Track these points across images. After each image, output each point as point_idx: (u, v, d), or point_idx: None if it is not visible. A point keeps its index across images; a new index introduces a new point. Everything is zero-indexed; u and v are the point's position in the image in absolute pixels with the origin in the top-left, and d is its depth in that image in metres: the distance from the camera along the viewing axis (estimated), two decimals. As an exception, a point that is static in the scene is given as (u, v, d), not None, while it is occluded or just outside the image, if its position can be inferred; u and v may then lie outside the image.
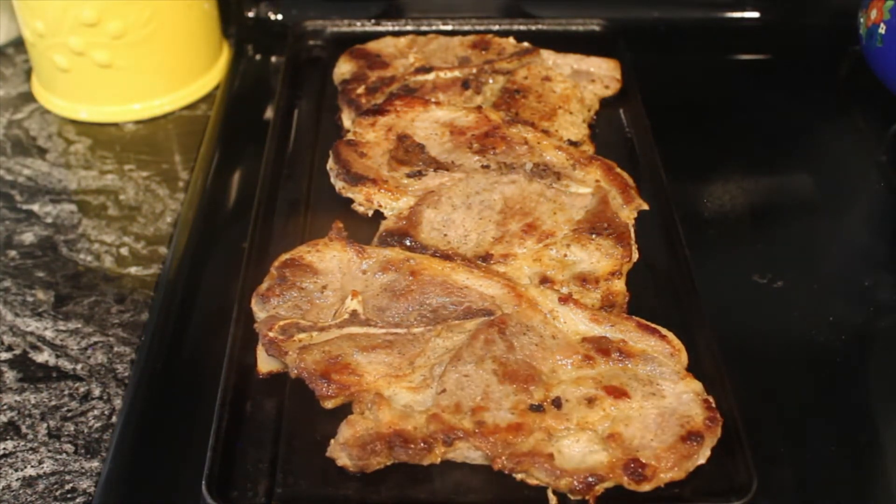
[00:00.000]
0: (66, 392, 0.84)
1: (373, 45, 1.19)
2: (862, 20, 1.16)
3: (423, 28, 1.26)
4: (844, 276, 0.98)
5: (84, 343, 0.89)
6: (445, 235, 0.92)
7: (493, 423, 0.73)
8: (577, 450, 0.72)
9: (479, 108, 1.06)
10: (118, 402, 0.83)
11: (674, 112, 1.17)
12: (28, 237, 1.01)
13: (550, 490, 0.72)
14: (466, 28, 1.27)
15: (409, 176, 0.98)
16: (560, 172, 0.99)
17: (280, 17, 1.35)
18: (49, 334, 0.90)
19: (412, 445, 0.72)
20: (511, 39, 1.19)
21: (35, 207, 1.05)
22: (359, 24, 1.28)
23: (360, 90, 1.11)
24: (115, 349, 0.88)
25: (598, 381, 0.77)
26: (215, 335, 0.84)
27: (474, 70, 1.13)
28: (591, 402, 0.75)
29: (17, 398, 0.84)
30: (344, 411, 0.76)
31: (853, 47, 1.23)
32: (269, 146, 1.05)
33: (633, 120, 1.11)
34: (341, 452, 0.73)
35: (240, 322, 0.84)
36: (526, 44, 1.18)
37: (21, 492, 0.76)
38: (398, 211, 0.95)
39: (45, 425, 0.82)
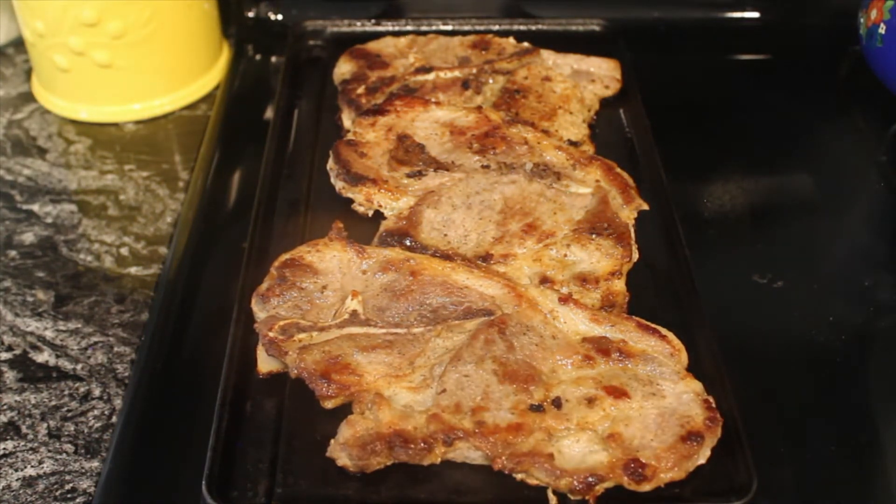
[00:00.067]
0: (66, 392, 0.84)
1: (373, 45, 1.19)
2: (862, 20, 1.16)
3: (423, 28, 1.26)
4: (844, 276, 0.98)
5: (84, 343, 0.89)
6: (445, 235, 0.92)
7: (493, 423, 0.73)
8: (577, 450, 0.72)
9: (479, 108, 1.06)
10: (118, 402, 0.83)
11: (674, 112, 1.17)
12: (28, 237, 1.01)
13: (550, 490, 0.72)
14: (466, 28, 1.27)
15: (409, 176, 0.98)
16: (560, 172, 0.99)
17: (280, 17, 1.35)
18: (49, 334, 0.90)
19: (412, 445, 0.72)
20: (511, 39, 1.19)
21: (35, 207, 1.05)
22: (359, 24, 1.28)
23: (360, 90, 1.11)
24: (115, 349, 0.88)
25: (598, 381, 0.77)
26: (215, 335, 0.84)
27: (474, 70, 1.13)
28: (591, 402, 0.75)
29: (18, 398, 0.84)
30: (344, 411, 0.76)
31: (853, 47, 1.24)
32: (269, 146, 1.05)
33: (633, 120, 1.11)
34: (341, 452, 0.73)
35: (240, 322, 0.84)
36: (526, 44, 1.18)
37: (21, 492, 0.76)
38: (398, 211, 0.95)
39: (45, 425, 0.82)
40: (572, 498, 0.71)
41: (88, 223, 1.03)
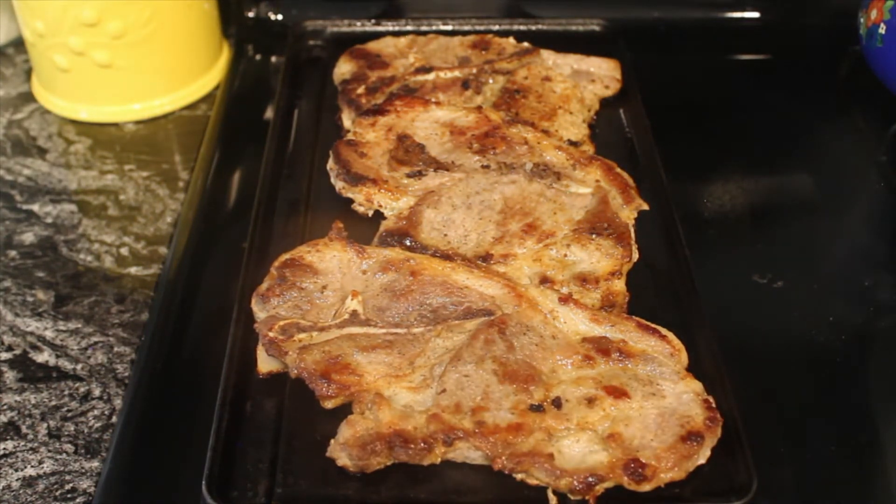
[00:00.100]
0: (66, 392, 0.84)
1: (373, 45, 1.19)
2: (862, 20, 1.16)
3: (423, 28, 1.26)
4: (844, 276, 0.98)
5: (84, 343, 0.89)
6: (445, 235, 0.92)
7: (493, 423, 0.73)
8: (577, 450, 0.72)
9: (479, 108, 1.06)
10: (118, 402, 0.83)
11: (674, 112, 1.17)
12: (28, 237, 1.01)
13: (550, 490, 0.72)
14: (466, 28, 1.27)
15: (409, 176, 0.98)
16: (560, 172, 0.99)
17: (280, 17, 1.35)
18: (49, 334, 0.90)
19: (412, 445, 0.72)
20: (511, 39, 1.19)
21: (35, 207, 1.05)
22: (359, 24, 1.28)
23: (360, 90, 1.11)
24: (115, 349, 0.88)
25: (598, 381, 0.77)
26: (215, 335, 0.84)
27: (474, 70, 1.13)
28: (591, 402, 0.75)
29: (18, 398, 0.84)
30: (344, 411, 0.76)
31: (853, 47, 1.24)
32: (269, 146, 1.05)
33: (633, 120, 1.11)
34: (341, 452, 0.73)
35: (240, 322, 0.84)
36: (526, 44, 1.18)
37: (21, 492, 0.76)
38: (398, 211, 0.95)
39: (45, 425, 0.82)
40: (572, 498, 0.71)
41: (88, 223, 1.03)
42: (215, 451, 0.73)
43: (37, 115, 1.20)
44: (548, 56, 1.17)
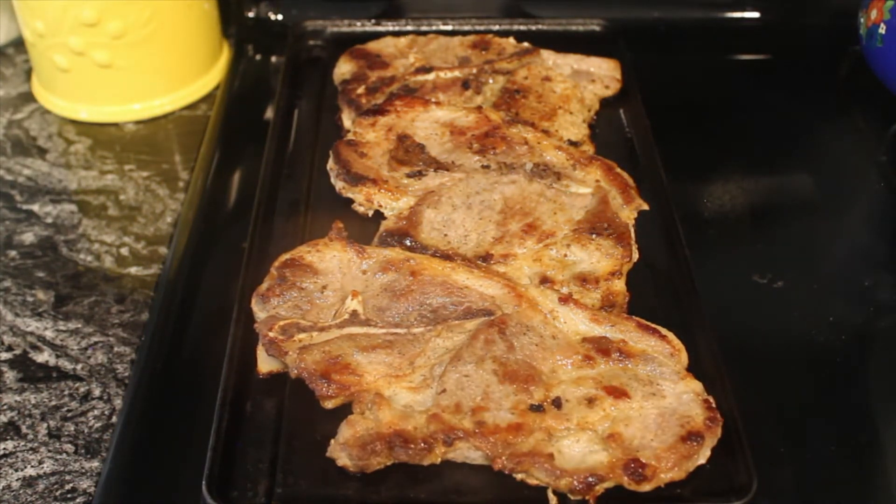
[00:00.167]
0: (66, 392, 0.84)
1: (373, 45, 1.19)
2: (862, 20, 1.16)
3: (423, 28, 1.26)
4: (844, 276, 0.98)
5: (84, 343, 0.89)
6: (445, 235, 0.92)
7: (494, 423, 0.73)
8: (578, 450, 0.72)
9: (479, 108, 1.06)
10: (118, 402, 0.83)
11: (674, 112, 1.17)
12: (28, 237, 1.01)
13: (550, 490, 0.72)
14: (466, 28, 1.27)
15: (409, 176, 0.98)
16: (560, 172, 0.99)
17: (280, 17, 1.35)
18: (49, 334, 0.90)
19: (412, 445, 0.72)
20: (511, 39, 1.19)
21: (35, 207, 1.05)
22: (359, 24, 1.28)
23: (360, 90, 1.11)
24: (115, 349, 0.88)
25: (598, 381, 0.77)
26: (215, 335, 0.84)
27: (474, 70, 1.13)
28: (591, 402, 0.75)
29: (18, 398, 0.84)
30: (344, 411, 0.76)
31: (853, 47, 1.24)
32: (269, 146, 1.05)
33: (633, 120, 1.11)
34: (341, 452, 0.73)
35: (240, 322, 0.84)
36: (526, 44, 1.18)
37: (21, 492, 0.76)
38: (398, 211, 0.95)
39: (45, 425, 0.82)
40: (572, 498, 0.71)
41: (88, 223, 1.03)
42: (215, 451, 0.73)
43: (37, 115, 1.20)
44: (548, 56, 1.17)
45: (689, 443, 0.72)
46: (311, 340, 0.79)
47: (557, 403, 0.75)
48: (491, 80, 1.13)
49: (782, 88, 1.24)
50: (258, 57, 1.30)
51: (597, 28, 1.27)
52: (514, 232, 0.92)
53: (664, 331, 0.82)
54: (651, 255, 0.93)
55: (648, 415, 0.75)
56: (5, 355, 0.88)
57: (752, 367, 0.84)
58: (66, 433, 0.81)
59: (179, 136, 1.17)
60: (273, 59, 1.29)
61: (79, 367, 0.87)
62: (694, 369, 0.80)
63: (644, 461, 0.71)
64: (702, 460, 0.73)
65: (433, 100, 1.08)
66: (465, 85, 1.12)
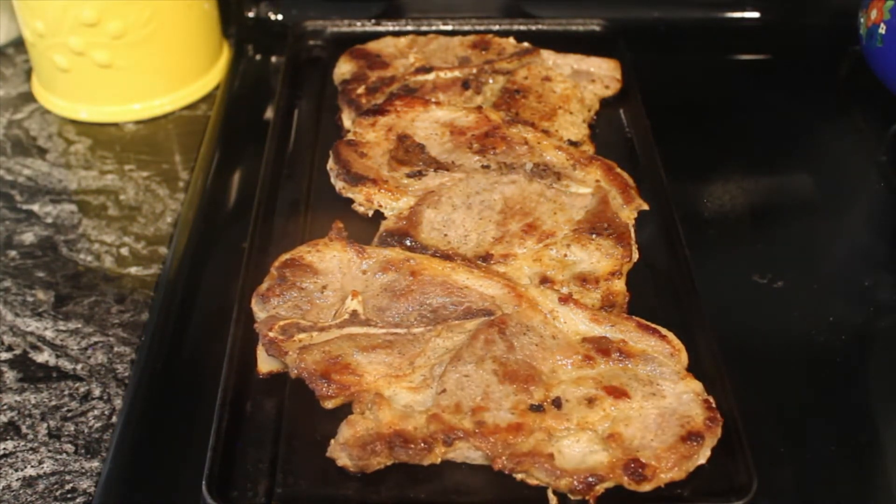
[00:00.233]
0: (67, 392, 0.84)
1: (373, 45, 1.19)
2: (862, 20, 1.16)
3: (423, 28, 1.26)
4: (844, 276, 0.98)
5: (84, 343, 0.89)
6: (445, 235, 0.92)
7: (494, 423, 0.73)
8: (578, 450, 0.72)
9: (479, 108, 1.06)
10: (118, 402, 0.83)
11: (674, 112, 1.17)
12: (28, 237, 1.01)
13: (550, 490, 0.72)
14: (466, 28, 1.27)
15: (409, 176, 0.98)
16: (560, 172, 0.99)
17: (280, 17, 1.35)
18: (49, 334, 0.90)
19: (412, 445, 0.72)
20: (511, 39, 1.19)
21: (35, 207, 1.05)
22: (359, 24, 1.28)
23: (360, 90, 1.11)
24: (115, 349, 0.88)
25: (598, 381, 0.77)
26: (215, 335, 0.84)
27: (474, 70, 1.13)
28: (591, 402, 0.75)
29: (18, 398, 0.84)
30: (344, 411, 0.76)
31: (853, 47, 1.23)
32: (269, 146, 1.05)
33: (633, 120, 1.11)
34: (341, 452, 0.73)
35: (240, 322, 0.84)
36: (526, 44, 1.18)
37: (21, 492, 0.76)
38: (398, 211, 0.95)
39: (45, 425, 0.82)
40: (572, 498, 0.71)
41: (88, 223, 1.03)
42: (215, 451, 0.73)
43: (37, 115, 1.20)
44: (548, 56, 1.17)
45: (689, 443, 0.72)
46: (311, 340, 0.79)
47: (557, 403, 0.75)
48: (491, 80, 1.13)
49: (782, 88, 1.24)
50: (258, 57, 1.30)
51: (597, 28, 1.27)
52: (514, 232, 0.92)
53: (664, 331, 0.82)
54: (651, 255, 0.93)
55: (648, 415, 0.75)
56: (5, 355, 0.88)
57: (752, 367, 0.84)
58: (66, 433, 0.81)
59: (179, 136, 1.17)
60: (273, 59, 1.29)
61: (79, 367, 0.87)
62: (694, 369, 0.80)
63: (644, 461, 0.71)
64: (702, 460, 0.73)
65: (433, 100, 1.08)
66: (465, 85, 1.12)
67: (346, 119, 1.09)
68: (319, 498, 0.73)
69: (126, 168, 1.11)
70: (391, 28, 1.27)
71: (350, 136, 1.03)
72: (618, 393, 0.76)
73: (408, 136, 1.02)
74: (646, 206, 0.96)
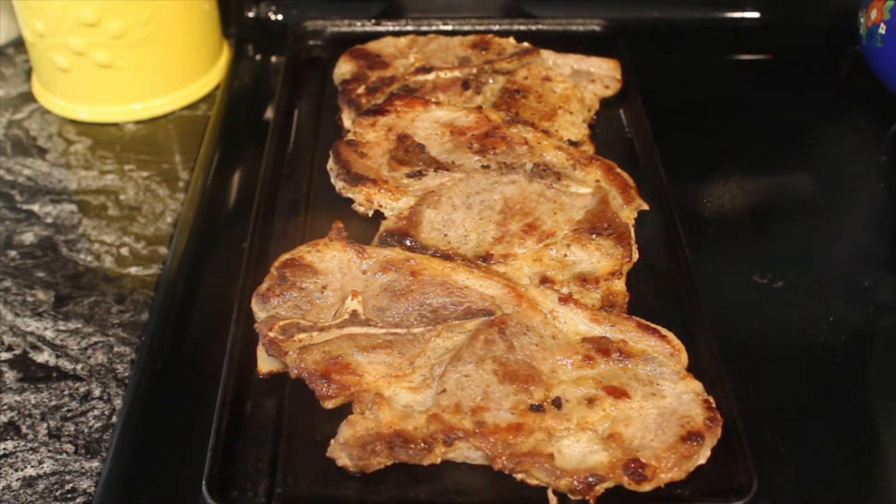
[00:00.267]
0: (66, 392, 0.84)
1: (373, 45, 1.19)
2: (862, 20, 1.16)
3: (423, 28, 1.26)
4: (844, 276, 0.98)
5: (84, 343, 0.89)
6: (445, 235, 0.92)
7: (494, 423, 0.73)
8: (578, 450, 0.72)
9: (479, 108, 1.06)
10: (118, 402, 0.83)
11: (674, 112, 1.17)
12: (28, 237, 1.01)
13: (550, 490, 0.72)
14: (466, 28, 1.27)
15: (409, 176, 0.98)
16: (560, 172, 0.99)
17: (280, 17, 1.35)
18: (49, 334, 0.90)
19: (412, 445, 0.72)
20: (511, 39, 1.19)
21: (35, 207, 1.05)
22: (359, 24, 1.28)
23: (360, 90, 1.11)
24: (115, 349, 0.88)
25: (598, 381, 0.77)
26: (215, 335, 0.84)
27: (474, 70, 1.13)
28: (591, 402, 0.75)
29: (18, 398, 0.84)
30: (344, 411, 0.76)
31: (853, 47, 1.23)
32: (269, 146, 1.05)
33: (633, 120, 1.11)
34: (341, 452, 0.73)
35: (240, 322, 0.84)
36: (526, 44, 1.18)
37: (21, 492, 0.76)
38: (398, 211, 0.95)
39: (45, 425, 0.82)
40: (572, 498, 0.71)
41: (88, 223, 1.03)
42: (215, 451, 0.73)
43: (37, 115, 1.20)
44: (548, 56, 1.17)
45: (689, 443, 0.72)
46: (311, 340, 0.79)
47: (557, 403, 0.75)
48: (491, 80, 1.13)
49: (782, 88, 1.24)
50: (258, 57, 1.30)
51: (597, 28, 1.27)
52: (514, 232, 0.92)
53: (664, 331, 0.82)
54: (651, 255, 0.93)
55: (648, 415, 0.75)
56: (5, 355, 0.88)
57: (752, 367, 0.84)
58: (66, 433, 0.81)
59: (179, 136, 1.17)
60: (273, 59, 1.29)
61: (79, 367, 0.87)
62: (694, 369, 0.80)
63: (644, 461, 0.71)
64: (702, 460, 0.73)
65: (433, 100, 1.08)
66: (465, 85, 1.12)
67: (346, 119, 1.09)
68: (319, 498, 0.73)
69: (126, 168, 1.11)
70: (391, 28, 1.27)
71: (350, 136, 1.03)
72: (618, 393, 0.76)
73: (408, 136, 1.02)
74: (646, 206, 0.96)
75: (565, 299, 0.83)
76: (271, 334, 0.80)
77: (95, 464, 0.78)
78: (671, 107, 1.17)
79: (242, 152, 1.11)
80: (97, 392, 0.84)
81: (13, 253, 0.99)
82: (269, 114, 1.16)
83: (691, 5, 1.36)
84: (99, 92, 1.17)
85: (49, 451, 0.79)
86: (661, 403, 0.76)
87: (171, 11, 1.14)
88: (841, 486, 0.77)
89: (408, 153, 1.01)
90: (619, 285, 0.88)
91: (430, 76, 1.12)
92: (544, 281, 0.87)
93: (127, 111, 1.18)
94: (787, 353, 0.88)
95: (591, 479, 0.70)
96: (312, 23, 1.28)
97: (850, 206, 1.08)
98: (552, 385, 0.77)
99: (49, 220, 1.04)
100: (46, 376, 0.86)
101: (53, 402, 0.83)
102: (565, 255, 0.89)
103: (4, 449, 0.79)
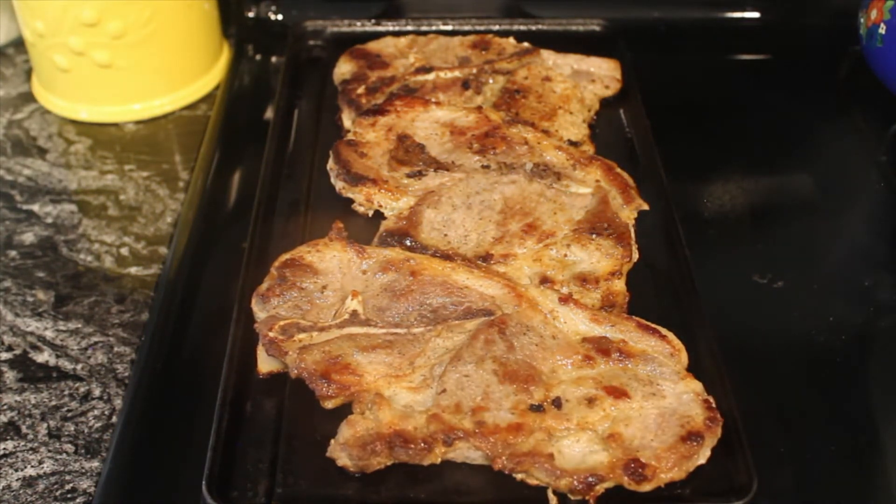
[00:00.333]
0: (67, 392, 0.84)
1: (373, 45, 1.19)
2: (862, 20, 1.16)
3: (423, 28, 1.26)
4: (844, 276, 0.98)
5: (84, 343, 0.89)
6: (446, 235, 0.92)
7: (494, 424, 0.73)
8: (578, 450, 0.72)
9: (479, 108, 1.06)
10: (118, 402, 0.83)
11: (674, 112, 1.17)
12: (28, 237, 1.01)
13: (550, 490, 0.72)
14: (466, 28, 1.27)
15: (409, 176, 0.98)
16: (560, 172, 0.99)
17: (280, 17, 1.35)
18: (49, 334, 0.90)
19: (412, 445, 0.72)
20: (511, 39, 1.19)
21: (35, 207, 1.05)
22: (359, 24, 1.28)
23: (360, 90, 1.11)
24: (115, 349, 0.88)
25: (598, 381, 0.77)
26: (215, 335, 0.84)
27: (474, 70, 1.13)
28: (591, 402, 0.75)
29: (18, 398, 0.84)
30: (344, 411, 0.76)
31: (853, 47, 1.23)
32: (269, 146, 1.05)
33: (633, 120, 1.11)
34: (341, 452, 0.73)
35: (240, 322, 0.84)
36: (526, 44, 1.18)
37: (21, 492, 0.76)
38: (398, 211, 0.95)
39: (45, 425, 0.82)
40: (572, 498, 0.71)
41: (88, 223, 1.03)
42: (215, 451, 0.73)
43: (37, 115, 1.20)
44: (548, 56, 1.17)
45: (689, 443, 0.72)
46: (311, 340, 0.79)
47: (557, 403, 0.75)
48: (491, 80, 1.13)
49: (782, 88, 1.24)
50: (258, 57, 1.30)
51: (597, 28, 1.27)
52: (514, 232, 0.92)
53: (664, 331, 0.82)
54: (651, 255, 0.93)
55: (648, 415, 0.75)
56: (5, 355, 0.88)
57: (752, 367, 0.84)
58: (66, 433, 0.81)
59: (179, 136, 1.17)
60: (273, 59, 1.29)
61: (79, 367, 0.87)
62: (694, 369, 0.80)
63: (644, 461, 0.71)
64: (702, 460, 0.73)
65: (433, 100, 1.08)
66: (465, 85, 1.12)
67: (346, 119, 1.09)
68: (319, 498, 0.73)
69: (126, 168, 1.11)
70: (391, 28, 1.27)
71: (350, 136, 1.03)
72: (618, 393, 0.76)
73: (408, 136, 1.02)
74: (646, 206, 0.96)
75: (565, 299, 0.83)
76: (271, 334, 0.80)
77: (95, 464, 0.78)
78: (671, 107, 1.17)
79: (242, 152, 1.11)
80: (97, 392, 0.84)
81: (13, 253, 0.99)
82: (269, 114, 1.16)
83: (691, 5, 1.36)
84: (99, 92, 1.17)
85: (49, 451, 0.79)
86: (661, 403, 0.76)
87: (171, 11, 1.14)
88: (841, 486, 0.77)
89: (408, 153, 1.01)
90: (619, 285, 0.88)
91: (430, 76, 1.12)
92: (544, 281, 0.87)
93: (127, 111, 1.18)
94: (787, 353, 0.88)
95: (591, 479, 0.70)
96: (312, 23, 1.28)
97: (850, 206, 1.08)
98: (552, 385, 0.77)
99: (49, 220, 1.04)
100: (46, 376, 0.86)
101: (53, 402, 0.83)
102: (565, 255, 0.89)
103: (4, 449, 0.79)
